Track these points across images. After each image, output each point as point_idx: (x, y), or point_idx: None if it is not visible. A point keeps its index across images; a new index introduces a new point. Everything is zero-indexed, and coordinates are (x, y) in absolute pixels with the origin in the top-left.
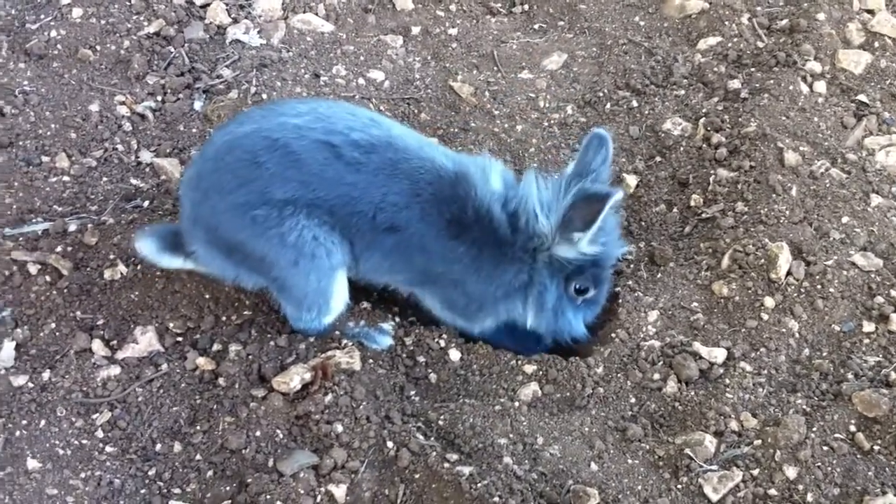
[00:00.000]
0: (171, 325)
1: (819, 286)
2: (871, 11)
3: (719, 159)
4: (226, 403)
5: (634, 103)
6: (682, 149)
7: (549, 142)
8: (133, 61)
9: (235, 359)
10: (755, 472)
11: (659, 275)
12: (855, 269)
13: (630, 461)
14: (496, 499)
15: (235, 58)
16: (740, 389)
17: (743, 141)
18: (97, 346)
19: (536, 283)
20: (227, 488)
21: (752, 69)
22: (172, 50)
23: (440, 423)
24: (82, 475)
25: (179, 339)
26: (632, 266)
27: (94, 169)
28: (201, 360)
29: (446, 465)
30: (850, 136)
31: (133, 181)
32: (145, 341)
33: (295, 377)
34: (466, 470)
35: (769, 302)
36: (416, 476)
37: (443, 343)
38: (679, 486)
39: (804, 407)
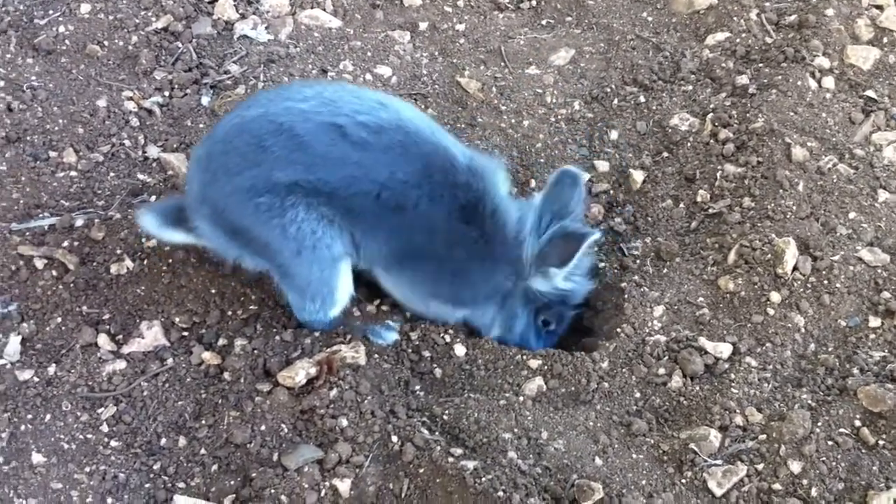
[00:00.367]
0: (177, 319)
1: (825, 281)
2: (879, 7)
3: (726, 155)
4: (231, 398)
5: (642, 99)
6: (689, 144)
7: (555, 137)
8: (141, 57)
9: (241, 353)
10: (760, 466)
11: (665, 270)
12: (862, 265)
13: (634, 456)
14: (500, 493)
15: (243, 53)
16: (745, 384)
17: (750, 136)
18: (103, 340)
19: (508, 307)
20: (232, 482)
21: (761, 65)
22: (180, 45)
23: (445, 417)
24: (87, 469)
25: (185, 333)
26: (638, 261)
27: (101, 164)
28: (207, 355)
29: (451, 459)
30: (857, 132)
31: (140, 176)
32: (151, 336)
33: (300, 372)
34: (471, 464)
35: (775, 297)
36: (421, 470)
37: (448, 338)
38: (683, 481)
39: (809, 402)
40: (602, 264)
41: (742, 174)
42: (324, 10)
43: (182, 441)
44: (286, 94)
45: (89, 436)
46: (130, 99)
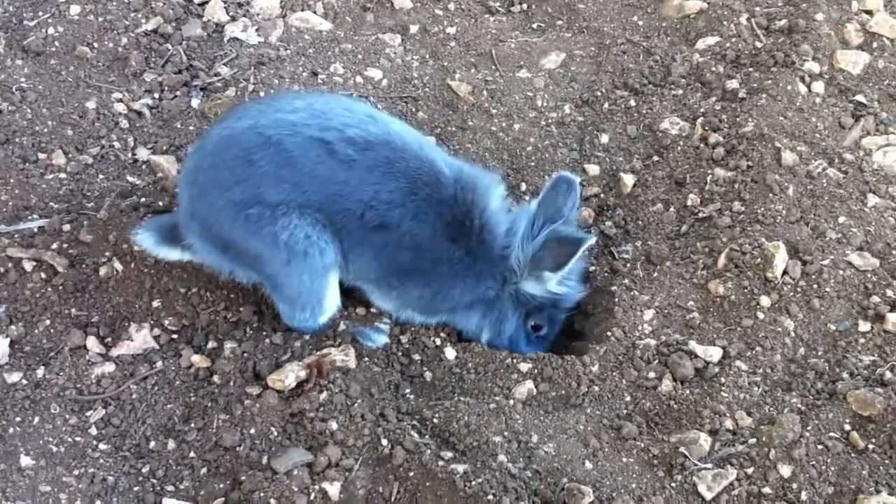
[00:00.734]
0: (167, 322)
1: (815, 285)
2: (869, 12)
3: (716, 159)
4: (220, 401)
5: (632, 103)
6: (679, 148)
7: (546, 141)
8: (131, 58)
9: (230, 356)
10: (749, 470)
11: (655, 274)
12: (851, 269)
13: (625, 459)
14: (490, 497)
15: (233, 55)
16: (735, 388)
17: (740, 141)
18: (92, 343)
19: (497, 310)
20: (221, 486)
21: (751, 69)
22: (170, 47)
23: (435, 421)
24: (76, 472)
25: (174, 336)
26: (628, 265)
27: (90, 166)
28: (196, 358)
29: (441, 463)
30: (847, 137)
31: (130, 178)
32: (140, 338)
33: (290, 375)
34: (461, 468)
35: (765, 301)
36: (411, 474)
37: (438, 341)
38: (673, 485)
39: (799, 406)
40: (592, 268)
41: (732, 178)
42: (314, 12)
43: (171, 444)
44: (276, 106)
45: (78, 438)
46: (120, 101)
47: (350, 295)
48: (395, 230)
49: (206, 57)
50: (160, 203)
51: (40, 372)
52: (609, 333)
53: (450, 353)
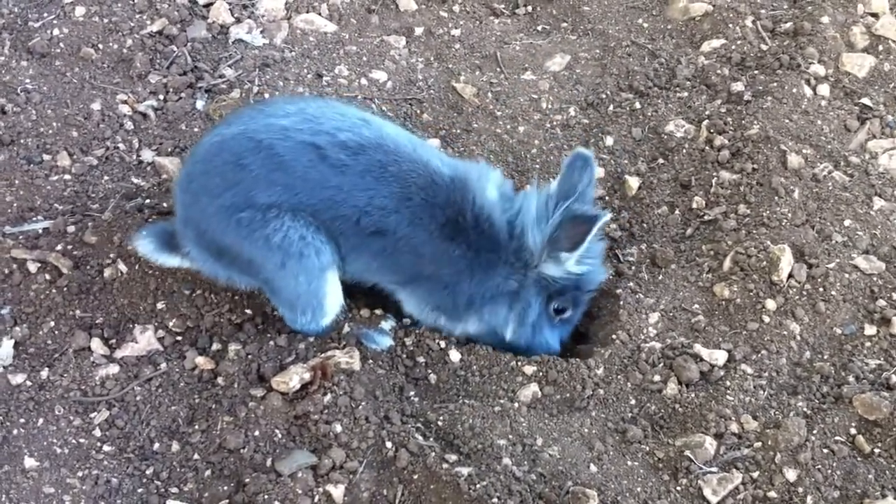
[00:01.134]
0: (171, 324)
1: (821, 289)
2: (875, 15)
3: (722, 161)
4: (224, 403)
5: (637, 105)
6: (684, 151)
7: (551, 143)
8: (135, 60)
9: (235, 358)
10: (755, 474)
11: (660, 277)
12: (857, 272)
13: (630, 463)
14: (495, 500)
15: (238, 57)
16: (741, 392)
17: (746, 143)
18: (96, 344)
19: (522, 299)
20: (225, 488)
21: (756, 72)
22: (175, 49)
23: (439, 423)
24: (79, 474)
25: (179, 338)
26: (633, 268)
27: (95, 167)
28: (200, 360)
29: (445, 465)
30: (853, 140)
31: (134, 180)
32: (144, 340)
33: (294, 377)
34: (465, 471)
35: (770, 304)
36: (415, 477)
37: (443, 344)
38: (678, 488)
39: (805, 409)
40: None
41: (737, 181)
42: (319, 14)
43: (175, 446)
44: (268, 111)
45: (82, 440)
46: (125, 102)
47: (354, 297)
48: (391, 236)
49: (210, 59)
50: (164, 205)
51: (44, 373)
52: (614, 336)
53: (454, 355)
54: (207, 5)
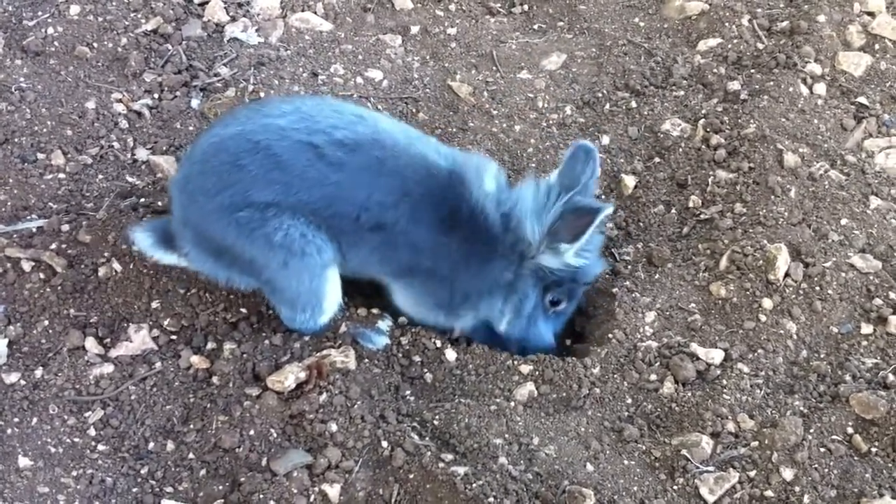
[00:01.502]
0: (166, 322)
1: (817, 288)
2: (871, 14)
3: (718, 160)
4: (219, 402)
5: (633, 104)
6: (680, 150)
7: (547, 142)
8: (130, 59)
9: (230, 357)
10: (752, 473)
11: (657, 276)
12: (853, 271)
13: (626, 462)
14: (491, 499)
15: (233, 56)
16: (737, 391)
17: (742, 142)
18: (90, 343)
19: (518, 290)
20: (220, 487)
21: (752, 71)
22: (170, 48)
23: (435, 422)
24: (74, 473)
25: (174, 337)
26: (629, 267)
27: (89, 166)
28: (195, 359)
29: (441, 465)
30: (849, 139)
31: (129, 179)
32: (139, 339)
33: (290, 376)
34: (461, 470)
35: (767, 303)
36: (411, 476)
37: (439, 343)
38: (675, 488)
39: (801, 408)
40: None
41: (734, 180)
42: (315, 13)
43: (170, 445)
44: (264, 111)
45: (76, 439)
46: (119, 101)
47: (351, 296)
48: (390, 230)
49: (205, 57)
50: (159, 203)
51: (39, 372)
52: (610, 335)
53: (450, 354)
54: (202, 4)
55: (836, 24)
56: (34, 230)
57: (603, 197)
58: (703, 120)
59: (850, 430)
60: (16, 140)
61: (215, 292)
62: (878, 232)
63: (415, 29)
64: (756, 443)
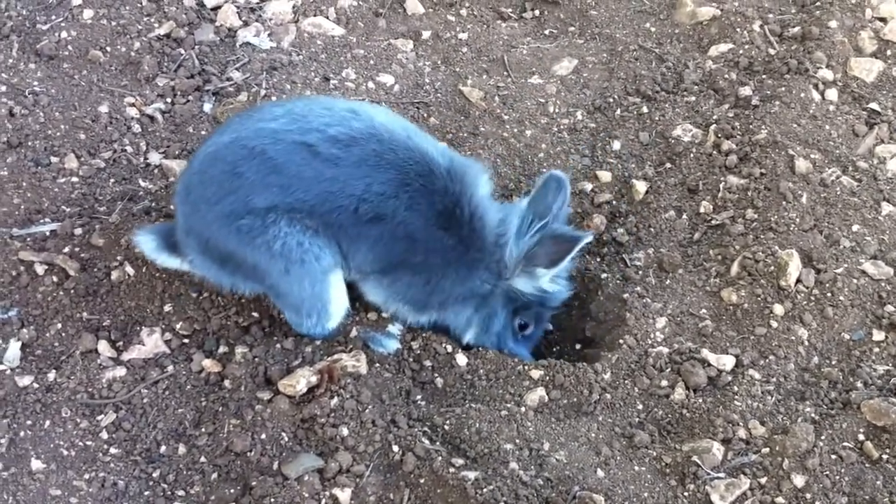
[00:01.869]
0: (178, 326)
1: (829, 294)
2: (883, 19)
3: (729, 166)
4: (231, 406)
5: (645, 109)
6: (692, 155)
7: (558, 147)
8: (143, 63)
9: (241, 361)
10: (763, 480)
11: (668, 281)
12: (865, 278)
13: (637, 468)
14: None
15: (245, 60)
16: (748, 397)
17: (753, 148)
18: (103, 346)
19: (489, 305)
20: (232, 491)
21: (764, 76)
22: (183, 52)
23: (446, 427)
24: (86, 476)
25: (186, 340)
26: (640, 272)
27: (102, 170)
28: (207, 362)
29: (452, 469)
30: (861, 144)
31: (141, 182)
32: (151, 343)
33: (301, 380)
34: (472, 475)
35: (778, 309)
36: (422, 481)
37: (450, 348)
38: (686, 494)
39: (813, 415)
40: (605, 275)
41: (745, 186)
42: (327, 17)
43: (182, 449)
44: (257, 116)
45: (89, 442)
46: (132, 105)
47: (361, 300)
48: (389, 221)
49: (218, 62)
50: (171, 207)
51: (51, 376)
52: (621, 341)
53: (461, 359)
54: (215, 8)
55: (847, 30)
56: (47, 234)
57: (614, 203)
58: (714, 125)
59: (861, 437)
60: (29, 144)
61: (227, 296)
62: (890, 238)
63: (426, 34)
64: (767, 449)
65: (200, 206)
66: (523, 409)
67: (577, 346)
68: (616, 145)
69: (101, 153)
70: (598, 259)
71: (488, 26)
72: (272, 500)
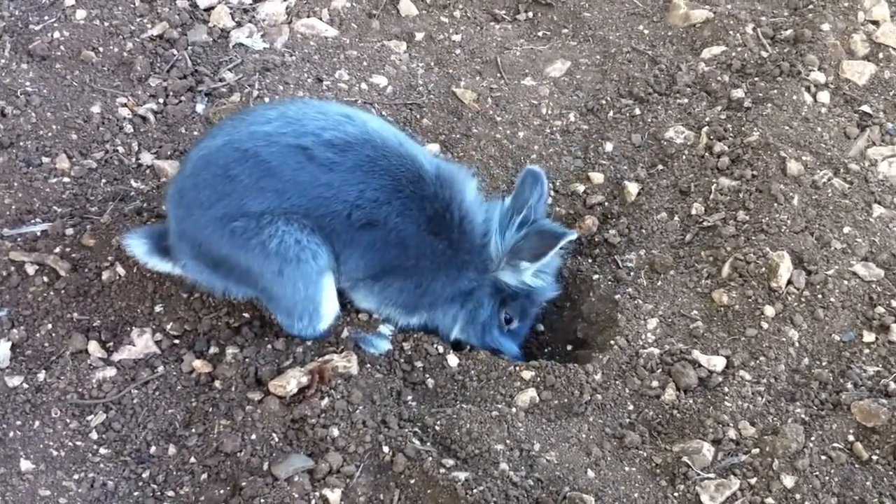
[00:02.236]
0: (168, 327)
1: (820, 296)
2: (875, 22)
3: (721, 168)
4: (221, 406)
5: (637, 111)
6: (684, 157)
7: (550, 149)
8: (136, 63)
9: (232, 361)
10: (752, 480)
11: (659, 282)
12: (856, 279)
13: (627, 468)
14: None
15: (238, 61)
16: (739, 398)
17: (745, 150)
18: (93, 347)
19: (475, 298)
20: (221, 491)
21: (756, 79)
22: (175, 53)
23: (437, 428)
24: (75, 477)
25: (176, 341)
26: (632, 274)
27: (94, 170)
28: (198, 363)
29: (442, 470)
30: (852, 147)
31: (133, 183)
32: (142, 343)
33: (292, 381)
34: (462, 475)
35: (769, 311)
36: (412, 481)
37: (441, 349)
38: (676, 494)
39: (803, 416)
40: (596, 276)
41: (737, 187)
42: (320, 19)
43: (172, 449)
44: (249, 119)
45: (78, 443)
46: (124, 105)
47: (352, 303)
48: (382, 227)
49: (211, 62)
50: (163, 208)
51: (41, 376)
52: (612, 342)
53: (452, 360)
54: (208, 9)
55: (840, 33)
56: (38, 234)
57: (606, 204)
58: (706, 127)
59: (851, 438)
60: (21, 144)
61: (218, 297)
62: (881, 240)
63: (419, 35)
64: (757, 450)
65: (193, 210)
66: (514, 409)
67: (569, 347)
68: (608, 147)
69: (93, 153)
70: (590, 260)
71: (482, 28)
72: (262, 500)
